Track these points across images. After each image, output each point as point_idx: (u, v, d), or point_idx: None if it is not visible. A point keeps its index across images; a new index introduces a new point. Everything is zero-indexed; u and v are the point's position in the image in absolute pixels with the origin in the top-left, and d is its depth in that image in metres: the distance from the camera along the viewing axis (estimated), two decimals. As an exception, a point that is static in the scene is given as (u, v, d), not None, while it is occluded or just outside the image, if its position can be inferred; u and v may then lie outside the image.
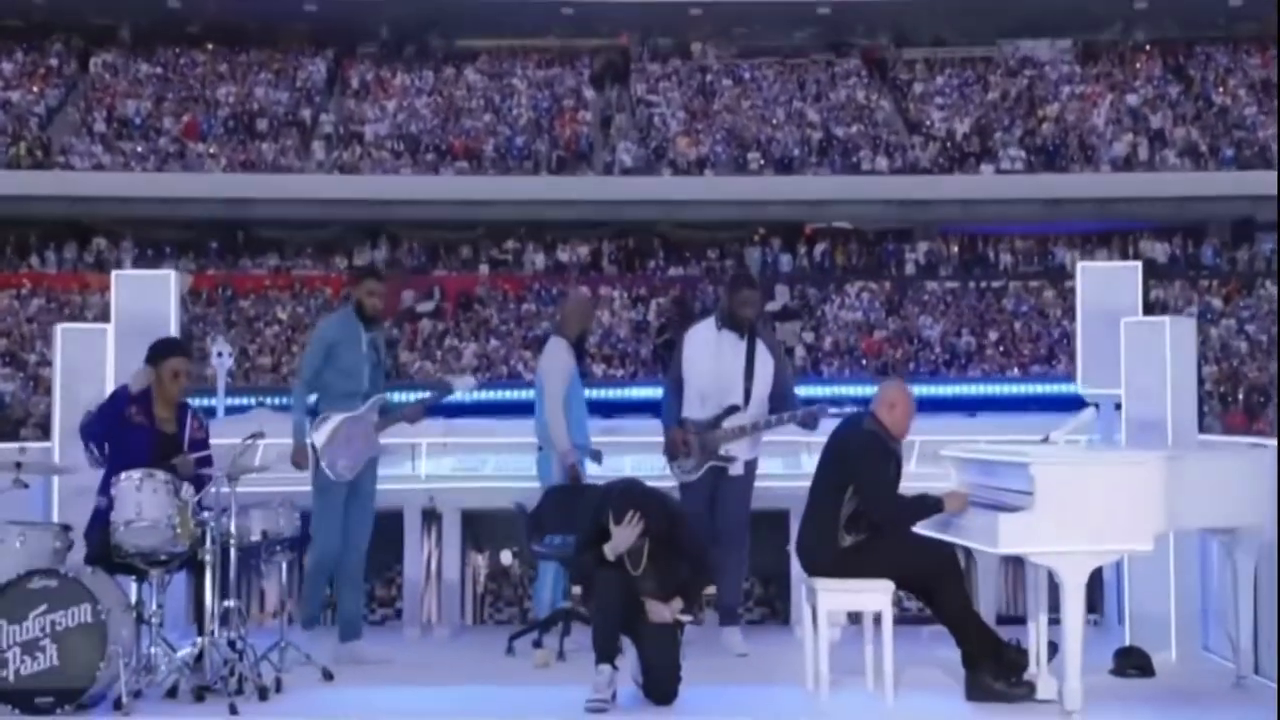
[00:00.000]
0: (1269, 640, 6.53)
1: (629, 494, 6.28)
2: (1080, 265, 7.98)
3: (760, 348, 7.43)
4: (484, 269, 33.56)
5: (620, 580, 6.26)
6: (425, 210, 33.10)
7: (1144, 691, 6.50)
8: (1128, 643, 7.10)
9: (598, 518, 6.33)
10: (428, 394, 7.68)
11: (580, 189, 33.23)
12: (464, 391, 7.54)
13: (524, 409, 7.85)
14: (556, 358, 7.69)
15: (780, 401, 7.44)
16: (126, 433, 6.64)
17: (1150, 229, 33.97)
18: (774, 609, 8.54)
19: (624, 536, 6.23)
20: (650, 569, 6.34)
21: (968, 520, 6.19)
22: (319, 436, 7.15)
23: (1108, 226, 33.84)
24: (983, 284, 32.83)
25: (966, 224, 34.02)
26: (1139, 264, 7.81)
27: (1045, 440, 6.21)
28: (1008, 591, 8.12)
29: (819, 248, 34.26)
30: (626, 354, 30.18)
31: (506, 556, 8.52)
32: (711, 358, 7.39)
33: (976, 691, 6.22)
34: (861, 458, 6.24)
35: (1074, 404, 7.84)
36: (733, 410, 7.37)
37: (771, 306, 31.83)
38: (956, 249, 34.08)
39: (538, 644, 7.30)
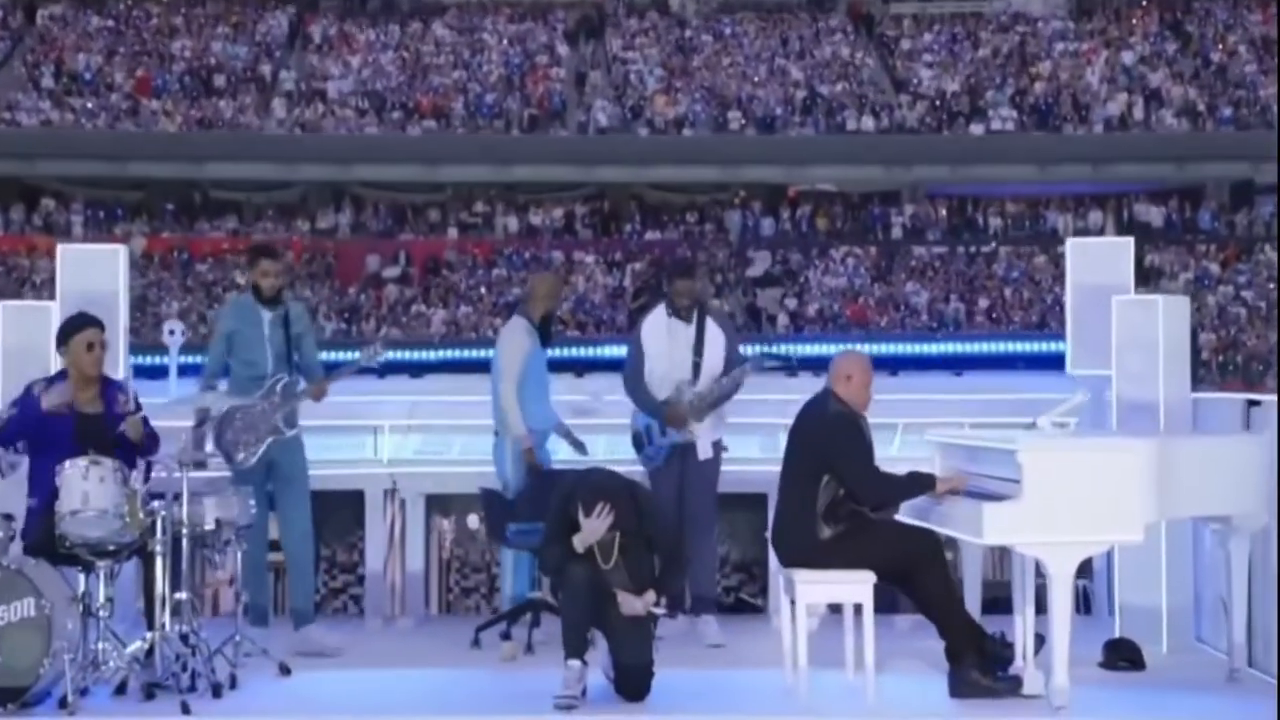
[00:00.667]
0: (1263, 632, 6.56)
1: (598, 485, 6.25)
2: (1070, 241, 7.97)
3: (710, 326, 7.64)
4: (452, 232, 33.46)
5: (590, 573, 6.24)
6: (391, 171, 32.99)
7: (1134, 686, 6.52)
8: (1117, 634, 7.12)
9: (565, 508, 6.31)
10: (333, 370, 7.63)
11: (553, 149, 33.13)
12: (370, 360, 7.52)
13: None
14: (513, 338, 7.68)
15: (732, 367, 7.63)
16: (44, 424, 6.47)
17: (1146, 191, 34.05)
18: (754, 597, 8.56)
19: (593, 529, 6.21)
20: (621, 561, 6.32)
21: (952, 509, 6.18)
22: (211, 426, 7.19)
23: (1102, 189, 33.91)
24: (972, 249, 32.88)
25: (955, 186, 34.03)
26: (1130, 240, 7.79)
27: (1032, 425, 6.19)
28: (994, 575, 8.13)
29: (802, 211, 34.24)
30: (601, 321, 30.15)
31: (474, 520, 8.52)
32: (664, 342, 7.61)
33: (961, 686, 6.23)
34: (833, 443, 6.21)
35: (1062, 363, 7.92)
36: (681, 386, 7.56)
37: (752, 272, 31.84)
38: (945, 212, 34.11)
39: (505, 636, 7.28)
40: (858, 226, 34.01)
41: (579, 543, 6.25)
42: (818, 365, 8.35)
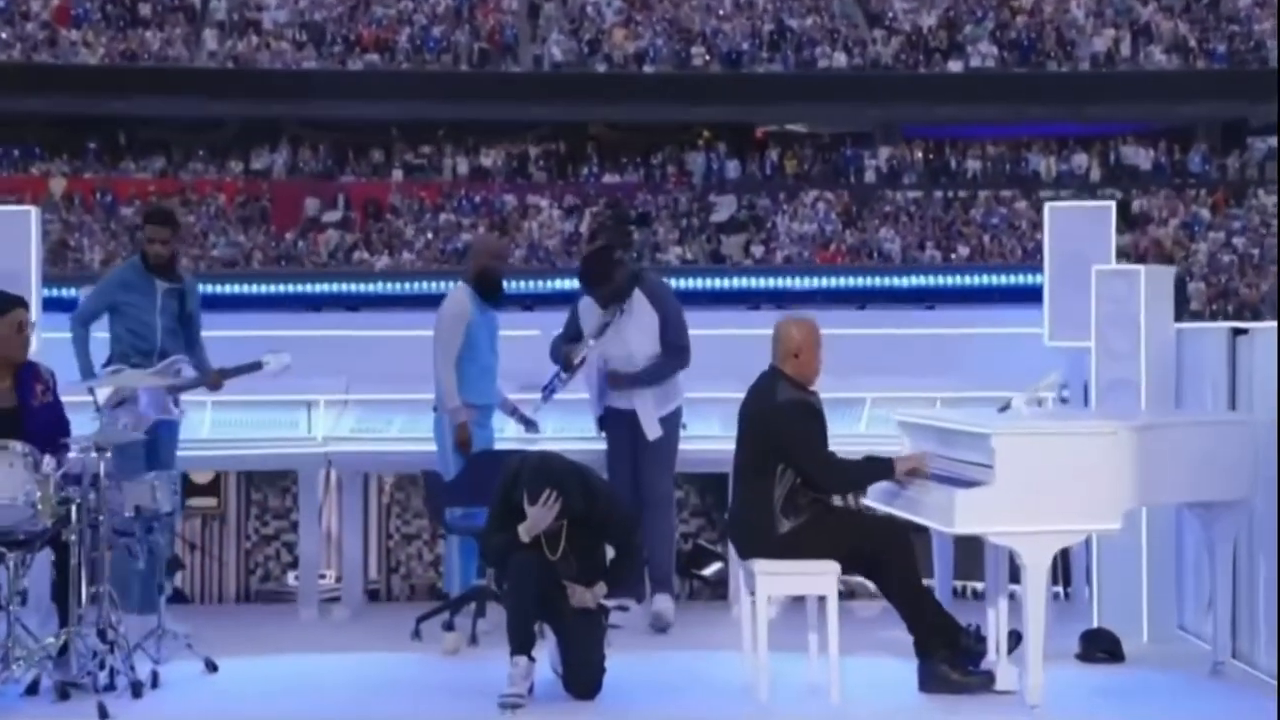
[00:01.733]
0: (1249, 623, 6.60)
1: (544, 471, 6.21)
2: (1048, 206, 7.97)
3: (641, 306, 7.64)
4: (397, 174, 33.26)
5: (537, 564, 6.22)
6: (331, 108, 32.67)
7: (1113, 680, 6.55)
8: (1096, 622, 7.16)
9: (510, 495, 6.27)
10: (237, 365, 7.61)
11: (505, 86, 32.88)
12: (276, 369, 7.49)
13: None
14: (450, 307, 7.68)
15: (668, 349, 7.66)
16: None
17: (1133, 133, 34.14)
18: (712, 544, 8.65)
19: (539, 517, 6.18)
20: (570, 551, 6.30)
21: (921, 495, 6.18)
22: (102, 392, 7.11)
23: (1086, 130, 33.97)
24: (949, 193, 32.92)
25: (931, 127, 34.01)
26: (1112, 204, 7.79)
27: (1007, 408, 6.19)
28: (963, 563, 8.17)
29: (770, 153, 34.16)
30: (558, 271, 30.06)
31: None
32: (597, 324, 7.68)
33: (931, 681, 6.25)
34: (786, 433, 6.18)
35: (1037, 295, 7.99)
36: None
37: (717, 217, 31.80)
38: (921, 154, 34.10)
39: (448, 627, 7.26)
40: (828, 169, 33.97)
41: (524, 532, 6.22)
42: (784, 299, 8.48)
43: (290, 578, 8.60)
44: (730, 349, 7.62)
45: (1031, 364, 7.72)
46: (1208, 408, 6.93)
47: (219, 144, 33.90)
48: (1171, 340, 7.20)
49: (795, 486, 6.20)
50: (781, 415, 6.21)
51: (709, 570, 8.78)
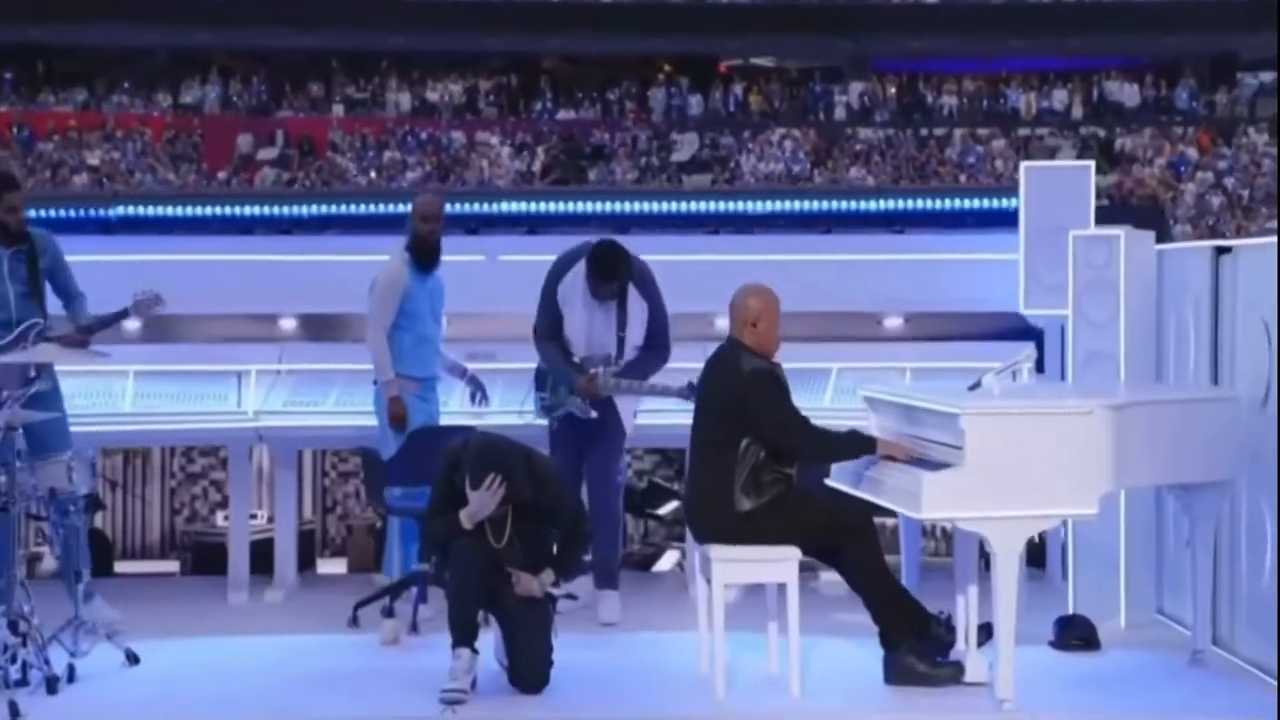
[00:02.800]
0: (1228, 610, 6.65)
1: (488, 453, 6.17)
2: (1023, 165, 7.95)
3: (632, 296, 7.57)
4: (337, 109, 32.97)
5: (481, 551, 6.19)
6: (266, 37, 32.34)
7: (1088, 669, 6.58)
8: (1071, 607, 7.19)
9: (451, 478, 6.23)
10: (101, 316, 7.46)
11: (453, 15, 32.59)
12: (145, 311, 7.38)
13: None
14: (385, 272, 7.61)
15: (653, 344, 7.62)
16: None
17: (1117, 67, 34.14)
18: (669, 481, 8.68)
19: (483, 503, 6.15)
20: (515, 538, 6.28)
21: (885, 477, 6.17)
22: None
23: (1068, 64, 33.96)
24: (924, 131, 32.87)
25: (905, 61, 33.92)
26: (1091, 165, 7.78)
27: (978, 385, 6.18)
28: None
29: (734, 88, 34.02)
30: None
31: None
32: (581, 313, 7.56)
33: (897, 673, 6.26)
34: (752, 401, 6.16)
35: (1011, 220, 8.04)
36: (606, 361, 7.54)
37: (678, 156, 31.67)
38: (894, 90, 34.03)
39: (388, 613, 7.24)
40: (796, 105, 33.86)
41: (466, 518, 6.19)
42: (745, 223, 8.60)
43: (219, 518, 8.52)
44: (690, 275, 7.73)
45: (1005, 291, 7.76)
46: (1189, 329, 6.92)
47: (145, 75, 33.54)
48: (1152, 310, 7.21)
49: (759, 464, 6.17)
50: (745, 384, 6.18)
51: (665, 510, 8.83)
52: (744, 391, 6.19)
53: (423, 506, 6.60)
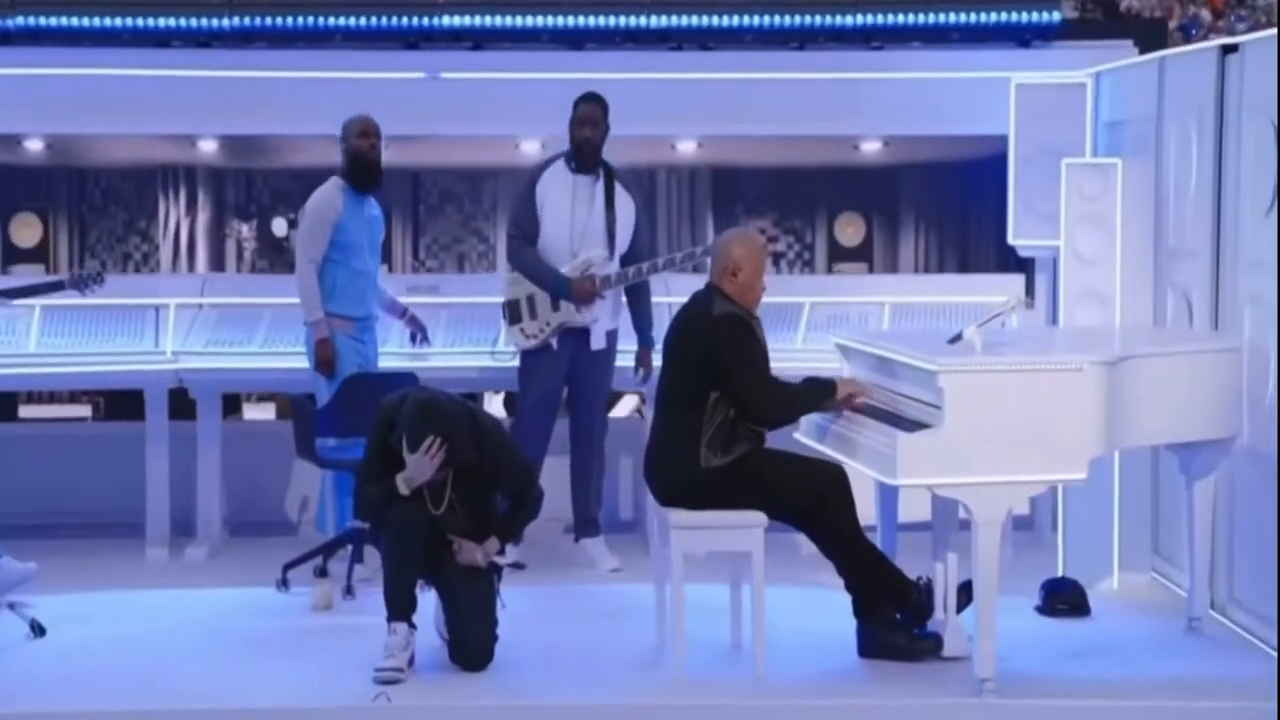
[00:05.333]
0: (1227, 572, 6.65)
1: (426, 413, 6.06)
2: (1014, 79, 7.82)
3: (619, 189, 7.50)
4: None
5: (419, 518, 6.12)
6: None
7: (1076, 639, 6.53)
8: (1061, 568, 7.18)
9: (386, 440, 6.16)
10: (36, 282, 7.46)
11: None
12: (82, 290, 7.30)
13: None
14: (315, 200, 7.47)
15: (639, 253, 7.59)
16: None
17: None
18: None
19: (420, 468, 6.07)
20: (457, 503, 6.21)
21: (858, 436, 6.12)
22: None
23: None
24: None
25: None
26: (1086, 83, 7.65)
27: (958, 338, 6.10)
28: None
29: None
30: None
31: (280, 226, 8.38)
32: (566, 203, 7.44)
33: (873, 646, 6.24)
34: (723, 349, 6.08)
35: (1006, 34, 8.22)
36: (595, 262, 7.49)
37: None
38: None
39: (321, 572, 7.18)
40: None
41: (403, 483, 6.12)
42: (709, 37, 8.53)
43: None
44: (651, 94, 7.80)
45: (994, 111, 7.80)
46: (1192, 146, 6.82)
47: None
48: (1150, 248, 7.13)
49: (728, 421, 6.10)
50: (717, 329, 6.11)
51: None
52: (715, 335, 6.11)
53: (358, 458, 6.52)
